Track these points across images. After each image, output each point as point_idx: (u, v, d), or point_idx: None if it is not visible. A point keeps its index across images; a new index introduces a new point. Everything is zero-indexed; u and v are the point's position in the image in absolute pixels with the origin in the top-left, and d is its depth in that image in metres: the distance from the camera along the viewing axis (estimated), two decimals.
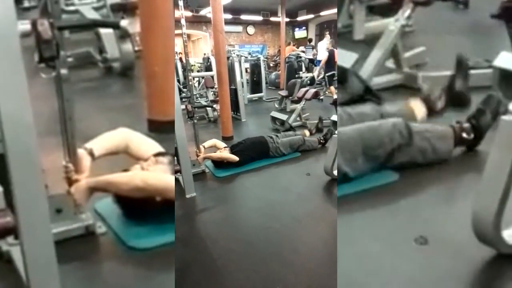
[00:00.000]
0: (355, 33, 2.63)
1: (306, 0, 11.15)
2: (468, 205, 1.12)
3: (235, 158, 3.06)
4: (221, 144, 3.30)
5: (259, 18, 13.11)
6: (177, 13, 2.84)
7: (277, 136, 3.48)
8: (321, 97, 5.44)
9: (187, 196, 2.54)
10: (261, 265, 1.69)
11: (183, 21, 2.76)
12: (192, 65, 8.53)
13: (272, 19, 12.96)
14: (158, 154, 1.71)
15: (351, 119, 1.71)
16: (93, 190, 1.53)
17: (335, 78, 6.60)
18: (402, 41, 2.16)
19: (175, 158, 2.39)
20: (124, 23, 3.50)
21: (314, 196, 2.51)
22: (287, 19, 10.70)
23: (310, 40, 11.67)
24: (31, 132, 0.91)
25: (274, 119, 4.69)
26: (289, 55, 8.20)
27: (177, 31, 2.95)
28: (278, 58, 12.09)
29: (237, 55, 6.16)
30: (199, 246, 1.91)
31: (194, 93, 5.24)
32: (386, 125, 1.61)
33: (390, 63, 2.30)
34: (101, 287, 1.32)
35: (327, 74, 6.80)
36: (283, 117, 4.50)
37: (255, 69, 7.51)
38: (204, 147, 3.09)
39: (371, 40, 2.26)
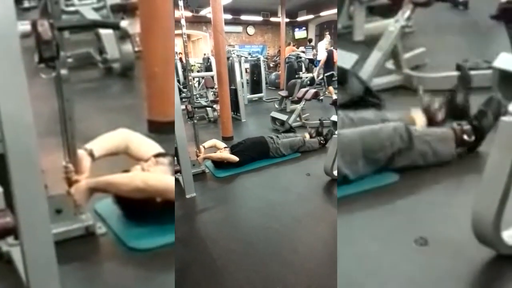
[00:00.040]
0: (355, 34, 2.63)
1: (306, 0, 11.16)
2: (468, 205, 1.12)
3: (235, 158, 3.06)
4: (221, 144, 3.30)
5: (259, 18, 13.12)
6: (177, 13, 2.84)
7: (277, 136, 3.48)
8: (321, 98, 5.43)
9: (187, 196, 2.54)
10: (261, 265, 1.69)
11: (183, 21, 2.76)
12: (192, 65, 8.53)
13: (272, 19, 12.97)
14: (158, 155, 1.71)
15: (353, 124, 1.71)
16: (93, 191, 1.53)
17: (334, 78, 6.61)
18: (402, 42, 2.17)
19: (175, 158, 2.39)
20: (124, 23, 3.50)
21: (314, 196, 2.51)
22: (287, 20, 10.71)
23: (310, 40, 11.67)
24: (31, 133, 0.91)
25: (274, 119, 4.69)
26: (289, 55, 8.20)
27: (177, 31, 2.95)
28: (278, 58, 12.09)
29: (237, 56, 6.17)
30: (199, 246, 1.91)
31: (194, 93, 5.24)
32: (387, 128, 1.61)
33: (390, 64, 2.30)
34: None
35: (325, 75, 6.80)
36: (283, 117, 4.50)
37: (255, 69, 7.51)
38: (204, 147, 3.09)
39: (371, 41, 2.26)
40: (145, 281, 1.34)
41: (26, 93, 0.89)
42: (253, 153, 3.22)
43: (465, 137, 1.67)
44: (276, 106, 6.25)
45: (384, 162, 1.60)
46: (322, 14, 12.10)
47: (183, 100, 5.35)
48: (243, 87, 6.03)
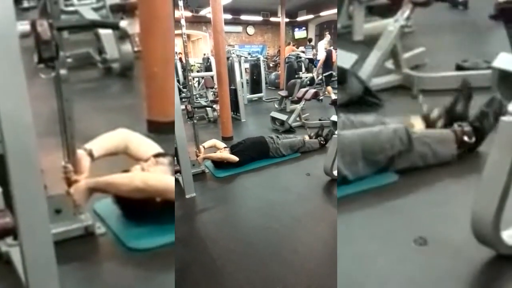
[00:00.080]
0: (355, 34, 2.63)
1: (306, 0, 11.16)
2: (468, 205, 1.12)
3: (235, 158, 3.06)
4: (221, 144, 3.30)
5: (259, 18, 13.11)
6: (177, 13, 2.84)
7: (277, 137, 3.48)
8: (321, 98, 5.43)
9: (187, 196, 2.53)
10: (261, 265, 1.69)
11: (183, 21, 2.77)
12: (192, 65, 8.53)
13: (272, 19, 12.97)
14: (158, 155, 1.71)
15: (353, 126, 1.71)
16: (93, 191, 1.52)
17: (333, 78, 6.60)
18: (401, 42, 2.17)
19: (175, 158, 2.39)
20: (123, 23, 3.49)
21: (314, 196, 2.51)
22: (287, 20, 10.71)
23: (310, 40, 11.66)
24: (31, 133, 0.91)
25: (274, 119, 4.69)
26: (289, 55, 8.19)
27: (177, 31, 2.95)
28: (278, 58, 12.09)
29: (237, 55, 6.17)
30: (199, 246, 1.91)
31: (194, 93, 5.24)
32: (387, 130, 1.61)
33: (389, 64, 2.30)
34: None
35: (324, 74, 6.80)
36: (283, 117, 4.50)
37: (254, 69, 7.51)
38: (204, 147, 3.09)
39: (371, 41, 2.26)
40: (145, 281, 1.34)
41: (26, 93, 0.89)
42: (253, 153, 3.22)
43: (466, 138, 1.67)
44: (276, 106, 6.26)
45: (384, 164, 1.60)
46: (322, 14, 12.10)
47: (183, 100, 5.34)
48: (243, 87, 6.03)
